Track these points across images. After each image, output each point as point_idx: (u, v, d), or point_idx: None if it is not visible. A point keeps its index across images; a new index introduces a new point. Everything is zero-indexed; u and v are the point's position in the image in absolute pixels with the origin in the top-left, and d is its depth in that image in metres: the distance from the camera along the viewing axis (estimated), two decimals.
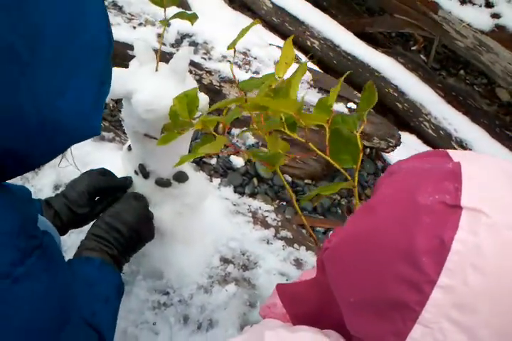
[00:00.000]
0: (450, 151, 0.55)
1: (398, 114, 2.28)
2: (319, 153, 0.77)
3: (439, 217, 0.46)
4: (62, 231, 0.97)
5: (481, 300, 0.45)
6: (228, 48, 0.81)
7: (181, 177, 1.00)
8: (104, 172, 0.99)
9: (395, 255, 0.48)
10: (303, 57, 1.96)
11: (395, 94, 2.22)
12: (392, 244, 0.48)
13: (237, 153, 1.57)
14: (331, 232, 0.70)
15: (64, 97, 0.52)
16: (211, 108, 0.81)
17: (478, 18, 1.97)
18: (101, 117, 0.61)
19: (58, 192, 0.99)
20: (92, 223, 0.95)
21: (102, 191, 0.98)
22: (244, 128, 1.71)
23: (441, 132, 2.20)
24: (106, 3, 1.62)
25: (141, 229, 0.93)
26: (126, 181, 1.01)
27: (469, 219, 0.45)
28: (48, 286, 0.57)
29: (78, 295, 0.71)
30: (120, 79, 0.88)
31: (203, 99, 0.88)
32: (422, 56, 2.64)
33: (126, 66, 0.92)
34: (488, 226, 0.45)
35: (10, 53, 0.46)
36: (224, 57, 1.67)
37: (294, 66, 0.85)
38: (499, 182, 0.49)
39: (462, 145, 2.16)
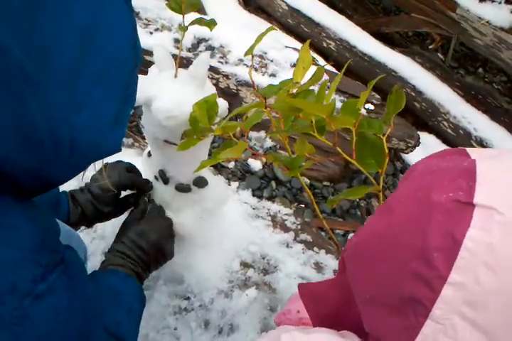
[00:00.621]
0: (469, 149, 0.54)
1: (416, 114, 2.25)
2: (348, 158, 0.76)
3: (451, 215, 0.46)
4: (88, 224, 1.00)
5: (492, 298, 0.45)
6: (245, 55, 0.81)
7: (201, 182, 1.00)
8: (130, 169, 1.01)
9: (410, 252, 0.48)
10: (320, 60, 1.95)
11: (413, 94, 2.19)
12: (407, 242, 0.49)
13: (255, 156, 1.57)
14: (353, 234, 0.71)
15: (80, 115, 0.50)
16: (231, 114, 0.81)
17: (498, 15, 1.94)
18: (123, 134, 0.59)
19: None
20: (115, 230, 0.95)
21: (127, 188, 1.01)
22: (262, 132, 1.71)
23: (460, 131, 2.17)
24: None
25: (164, 248, 0.94)
26: (148, 183, 1.02)
27: (482, 217, 0.45)
28: (70, 302, 0.56)
29: (103, 306, 0.72)
30: (139, 85, 0.89)
31: (223, 104, 0.88)
32: (439, 55, 2.61)
33: (144, 72, 0.92)
34: (501, 224, 0.45)
35: (19, 74, 0.45)
36: (240, 60, 1.68)
37: (312, 70, 0.85)
38: None
39: (482, 144, 2.13)
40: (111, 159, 1.02)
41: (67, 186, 1.14)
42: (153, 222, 0.95)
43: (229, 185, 1.50)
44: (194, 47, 1.62)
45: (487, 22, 1.95)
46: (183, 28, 0.87)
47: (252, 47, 0.81)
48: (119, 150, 0.58)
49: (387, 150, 0.76)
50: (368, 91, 0.74)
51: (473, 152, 0.53)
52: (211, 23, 0.86)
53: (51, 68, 0.47)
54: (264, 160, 1.66)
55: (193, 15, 0.91)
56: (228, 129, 0.83)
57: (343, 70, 0.80)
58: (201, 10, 1.96)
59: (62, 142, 0.50)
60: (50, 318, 0.54)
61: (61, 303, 0.55)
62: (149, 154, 1.02)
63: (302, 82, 0.88)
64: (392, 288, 0.50)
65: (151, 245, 0.91)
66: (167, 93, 0.86)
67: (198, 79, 0.87)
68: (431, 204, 0.48)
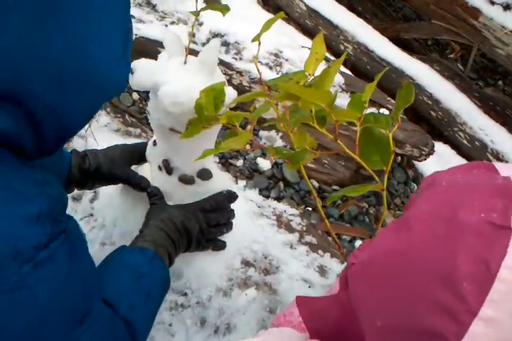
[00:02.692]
0: (497, 164, 0.49)
1: (431, 123, 2.20)
2: (347, 151, 0.73)
3: (485, 239, 0.41)
4: (92, 180, 0.97)
5: None
6: (253, 41, 0.79)
7: (205, 174, 0.97)
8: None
9: (432, 278, 0.42)
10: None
11: (430, 102, 2.15)
12: (430, 266, 0.43)
13: (261, 151, 1.53)
14: (358, 247, 0.64)
15: (95, 43, 0.53)
16: (234, 101, 0.79)
17: None
18: (128, 71, 0.63)
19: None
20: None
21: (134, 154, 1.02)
22: (273, 131, 1.68)
23: (476, 143, 2.12)
24: (139, 0, 1.62)
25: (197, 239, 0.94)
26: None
27: None
28: (70, 272, 0.55)
29: (121, 285, 0.72)
30: (148, 70, 0.87)
31: (231, 93, 0.85)
32: (459, 65, 2.57)
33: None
34: None
35: None
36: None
37: (323, 65, 0.82)
38: None
39: (498, 157, 2.08)
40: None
41: None
42: (196, 214, 0.94)
43: (236, 183, 1.47)
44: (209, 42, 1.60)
45: (510, 31, 1.91)
46: (194, 13, 0.85)
47: (260, 33, 0.78)
48: (125, 87, 0.61)
49: (392, 147, 0.72)
50: (374, 84, 0.70)
51: (504, 168, 0.48)
52: (224, 9, 0.84)
53: None
54: (273, 159, 1.63)
55: (209, 12, 0.89)
56: (234, 119, 0.80)
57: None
58: None
59: (79, 69, 0.52)
60: (48, 287, 0.53)
61: (61, 272, 0.54)
62: (154, 143, 1.00)
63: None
64: (408, 316, 0.44)
65: (189, 233, 0.91)
66: (175, 78, 0.83)
67: (207, 66, 0.84)
68: (460, 224, 0.42)
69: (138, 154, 1.01)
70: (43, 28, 0.48)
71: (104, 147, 1.03)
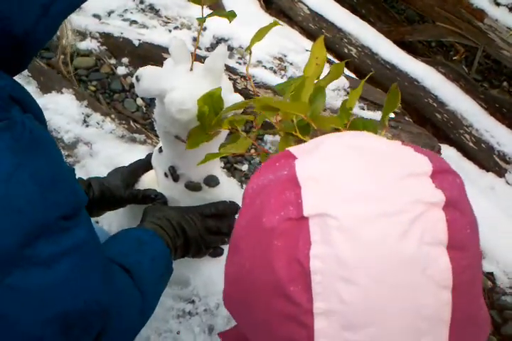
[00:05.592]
0: (293, 149, 0.47)
1: (437, 125, 2.19)
2: None
3: (289, 237, 0.40)
4: (99, 206, 0.97)
5: (366, 313, 0.38)
6: (246, 50, 0.79)
7: (212, 181, 0.97)
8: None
9: (269, 293, 0.42)
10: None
11: (435, 105, 2.14)
12: (262, 282, 0.42)
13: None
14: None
15: None
16: (223, 111, 0.78)
17: None
18: None
19: None
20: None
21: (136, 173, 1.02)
22: (278, 136, 1.68)
23: (482, 145, 2.10)
24: (143, 6, 1.62)
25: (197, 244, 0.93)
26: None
27: (318, 228, 0.39)
28: (16, 167, 0.51)
29: (125, 249, 0.74)
30: (154, 77, 0.86)
31: (238, 99, 0.85)
32: (463, 67, 2.56)
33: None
34: (338, 229, 0.39)
35: None
36: (259, 62, 1.65)
37: (328, 68, 0.81)
38: (342, 168, 0.42)
39: (505, 159, 2.07)
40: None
41: None
42: (193, 217, 0.93)
43: (241, 188, 1.46)
44: (213, 47, 1.60)
45: None
46: (200, 20, 0.84)
47: (251, 44, 0.78)
48: None
49: None
50: (360, 89, 0.69)
51: (297, 150, 0.47)
52: (230, 15, 0.83)
53: None
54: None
55: (213, 17, 0.88)
56: (236, 123, 0.80)
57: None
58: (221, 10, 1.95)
59: None
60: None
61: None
62: (160, 150, 0.99)
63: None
64: (268, 332, 0.43)
65: (186, 234, 0.90)
66: (181, 86, 0.83)
67: (214, 72, 0.84)
68: (266, 231, 0.42)
69: (139, 173, 1.03)
70: None
71: (108, 153, 1.03)
